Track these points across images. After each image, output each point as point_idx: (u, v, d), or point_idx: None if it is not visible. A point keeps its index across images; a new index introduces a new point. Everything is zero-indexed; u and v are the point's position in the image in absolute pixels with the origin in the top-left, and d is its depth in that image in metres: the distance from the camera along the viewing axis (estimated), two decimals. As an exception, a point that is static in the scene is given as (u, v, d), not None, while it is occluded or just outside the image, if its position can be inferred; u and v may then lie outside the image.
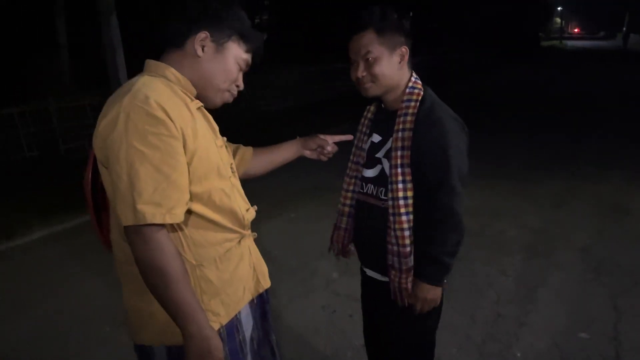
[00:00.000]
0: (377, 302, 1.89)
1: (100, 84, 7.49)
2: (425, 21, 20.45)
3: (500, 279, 3.45)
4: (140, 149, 1.11)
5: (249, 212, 1.44)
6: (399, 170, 1.59)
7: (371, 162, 1.74)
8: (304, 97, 11.67)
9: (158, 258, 1.13)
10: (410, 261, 1.64)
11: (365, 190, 1.76)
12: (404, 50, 1.62)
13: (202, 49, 1.28)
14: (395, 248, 1.63)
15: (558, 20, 68.30)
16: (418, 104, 1.61)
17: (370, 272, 1.87)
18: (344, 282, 3.44)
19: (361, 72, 1.61)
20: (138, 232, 1.13)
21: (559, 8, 64.41)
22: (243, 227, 1.40)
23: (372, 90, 1.64)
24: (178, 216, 1.15)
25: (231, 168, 1.42)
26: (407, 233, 1.61)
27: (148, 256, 1.13)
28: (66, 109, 7.27)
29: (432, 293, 1.65)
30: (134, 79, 1.23)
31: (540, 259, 3.75)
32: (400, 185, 1.59)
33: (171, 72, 1.27)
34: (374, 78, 1.60)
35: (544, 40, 43.13)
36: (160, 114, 1.13)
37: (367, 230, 1.79)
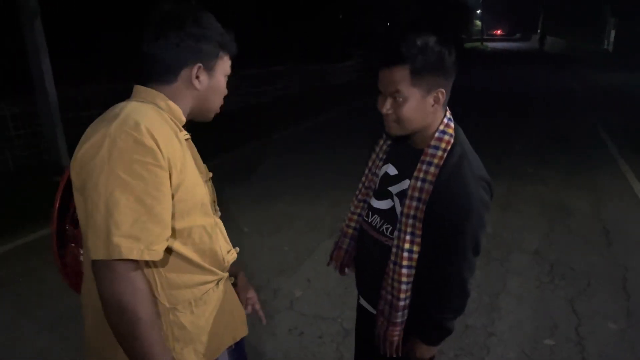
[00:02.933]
0: (370, 333, 1.78)
1: (22, 91, 6.87)
2: (348, 25, 20.69)
3: (462, 287, 3.46)
4: (123, 177, 1.02)
5: (230, 254, 1.36)
6: (410, 221, 1.44)
7: (382, 193, 1.58)
8: (239, 101, 11.39)
9: (129, 298, 1.03)
10: (401, 316, 1.54)
11: (369, 220, 1.63)
12: (441, 93, 1.40)
13: (199, 81, 1.21)
14: (389, 297, 1.53)
15: (478, 22, 71.77)
16: (446, 154, 1.42)
17: (363, 302, 1.79)
18: (307, 300, 3.32)
19: (386, 109, 1.41)
20: (109, 268, 1.03)
21: (478, 11, 67.74)
22: (223, 269, 1.32)
23: (396, 130, 1.45)
24: (157, 253, 1.07)
25: (214, 206, 1.34)
26: (404, 287, 1.49)
27: (117, 295, 1.03)
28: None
29: (430, 352, 1.62)
30: (121, 104, 1.14)
31: (496, 264, 3.81)
32: (407, 237, 1.45)
33: (162, 99, 1.19)
34: (398, 120, 1.41)
35: (466, 43, 45.08)
36: (149, 142, 1.05)
37: (366, 259, 1.70)
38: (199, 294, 1.23)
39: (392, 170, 1.58)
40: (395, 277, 1.48)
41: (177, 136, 1.15)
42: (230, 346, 1.39)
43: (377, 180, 1.62)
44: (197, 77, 1.20)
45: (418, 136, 1.48)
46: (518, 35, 70.32)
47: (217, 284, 1.30)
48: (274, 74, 13.43)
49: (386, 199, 1.58)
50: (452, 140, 1.44)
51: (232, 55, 1.29)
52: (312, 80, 14.97)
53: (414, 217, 1.43)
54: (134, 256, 1.02)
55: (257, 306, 1.56)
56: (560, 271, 3.69)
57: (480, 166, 1.47)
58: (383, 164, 1.61)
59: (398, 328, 1.55)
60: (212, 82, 1.24)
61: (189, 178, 1.14)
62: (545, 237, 4.32)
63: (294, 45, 16.05)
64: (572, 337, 2.89)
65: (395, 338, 1.57)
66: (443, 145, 1.43)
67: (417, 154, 1.47)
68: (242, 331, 1.43)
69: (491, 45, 51.12)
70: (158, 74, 1.18)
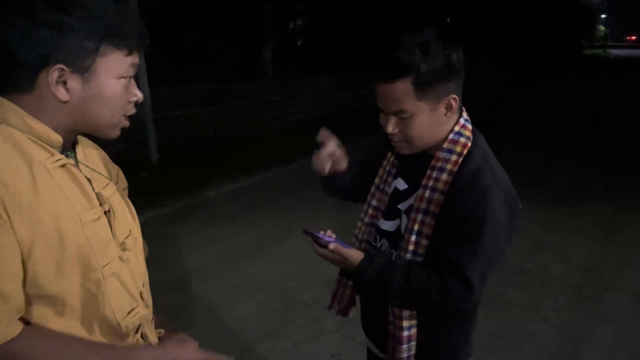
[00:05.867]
0: None
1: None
2: (452, 31, 19.92)
3: (540, 327, 3.00)
4: None
5: (133, 315, 1.01)
6: (413, 238, 1.22)
7: (391, 212, 1.36)
8: (335, 104, 11.35)
9: None
10: (406, 350, 1.29)
11: (378, 245, 1.39)
12: (453, 99, 1.19)
13: (66, 90, 0.88)
14: (391, 327, 1.31)
15: (602, 27, 66.10)
16: (461, 159, 1.20)
17: (370, 345, 1.54)
18: (357, 324, 3.03)
19: (392, 129, 1.21)
20: None
21: (602, 15, 62.37)
22: (120, 336, 0.99)
23: (405, 150, 1.26)
24: (4, 335, 0.82)
25: (122, 244, 1.01)
26: (406, 313, 1.27)
27: None
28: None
29: (344, 266, 1.31)
30: None
31: (587, 304, 3.27)
32: (408, 255, 1.23)
33: (17, 114, 0.87)
34: (407, 139, 1.21)
35: (586, 49, 41.68)
36: None
37: (371, 294, 1.43)
38: None
39: (401, 184, 1.35)
40: (394, 302, 1.27)
41: (31, 168, 0.85)
42: None
43: (387, 200, 1.37)
44: (65, 83, 0.87)
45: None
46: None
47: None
48: (369, 79, 13.23)
49: (394, 219, 1.33)
50: (469, 144, 1.22)
51: (129, 49, 0.91)
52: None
53: (419, 233, 1.22)
54: None
55: None
56: (668, 321, 3.07)
57: (507, 180, 1.22)
58: (393, 180, 1.37)
59: None
60: (92, 88, 0.89)
61: (47, 226, 0.86)
62: (654, 277, 3.65)
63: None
64: (674, 408, 2.35)
65: None
66: (458, 148, 1.21)
67: (428, 160, 1.26)
68: None
69: (615, 52, 46.69)
70: (10, 78, 0.87)
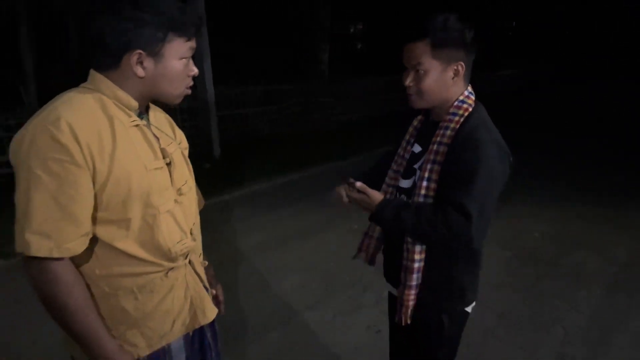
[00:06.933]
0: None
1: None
2: (502, 28, 19.55)
3: (570, 315, 3.11)
4: (38, 174, 1.04)
5: (181, 244, 1.28)
6: (424, 183, 1.52)
7: (408, 172, 1.67)
8: (388, 106, 11.52)
9: (53, 290, 1.09)
10: (415, 279, 1.59)
11: None
12: (460, 66, 1.51)
13: (143, 69, 1.16)
14: (405, 262, 1.60)
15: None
16: (462, 119, 1.51)
17: (389, 287, 1.83)
18: (395, 302, 3.28)
19: (408, 82, 1.54)
20: (30, 262, 1.08)
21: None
22: (170, 259, 1.27)
23: (417, 103, 1.58)
24: (71, 251, 1.09)
25: (179, 190, 1.29)
26: (417, 248, 1.56)
27: (42, 288, 1.09)
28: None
29: (368, 206, 1.57)
30: (63, 93, 1.16)
31: (622, 297, 3.34)
32: (421, 199, 1.52)
33: (107, 86, 1.17)
34: (419, 91, 1.53)
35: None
36: (65, 139, 1.05)
37: (391, 242, 1.75)
38: (142, 282, 1.22)
39: (417, 148, 1.66)
40: (409, 239, 1.56)
41: (112, 126, 1.13)
42: (188, 334, 1.38)
43: (405, 163, 1.68)
44: (141, 63, 1.15)
45: (439, 109, 1.58)
46: None
47: (167, 273, 1.27)
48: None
49: (411, 176, 1.64)
50: (470, 109, 1.53)
51: (189, 36, 1.19)
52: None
53: (428, 179, 1.51)
54: (42, 254, 1.05)
55: (221, 306, 1.58)
56: (703, 316, 3.09)
57: (500, 137, 1.51)
58: (411, 147, 1.69)
59: (412, 292, 1.60)
60: (160, 68, 1.17)
61: (120, 169, 1.12)
62: (697, 276, 3.64)
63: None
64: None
65: (410, 302, 1.60)
66: (460, 112, 1.52)
67: (437, 125, 1.56)
68: (202, 319, 1.39)
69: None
70: (100, 59, 1.16)
